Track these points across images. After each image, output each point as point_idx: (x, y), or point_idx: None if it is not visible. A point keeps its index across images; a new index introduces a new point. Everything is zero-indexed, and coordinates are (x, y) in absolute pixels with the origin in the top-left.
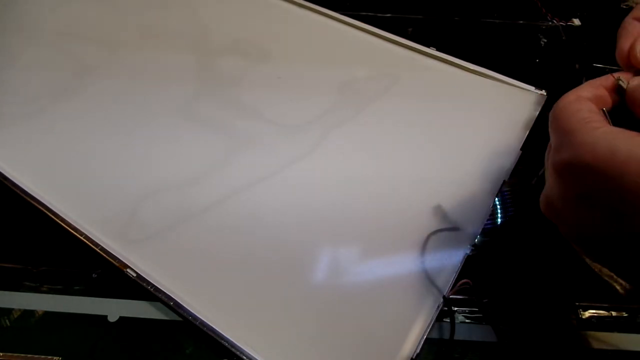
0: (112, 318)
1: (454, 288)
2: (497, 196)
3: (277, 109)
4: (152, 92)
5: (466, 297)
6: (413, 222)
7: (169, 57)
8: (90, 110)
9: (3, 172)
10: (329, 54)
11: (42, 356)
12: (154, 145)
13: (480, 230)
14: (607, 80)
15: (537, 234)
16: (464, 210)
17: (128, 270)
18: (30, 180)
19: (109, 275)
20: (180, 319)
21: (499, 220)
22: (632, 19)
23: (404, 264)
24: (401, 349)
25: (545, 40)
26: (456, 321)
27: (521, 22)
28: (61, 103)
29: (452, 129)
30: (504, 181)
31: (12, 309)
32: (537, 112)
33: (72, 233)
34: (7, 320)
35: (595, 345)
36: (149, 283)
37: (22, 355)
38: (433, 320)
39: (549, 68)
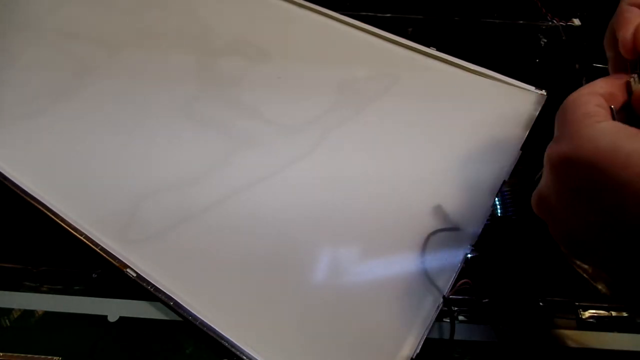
0: (112, 318)
1: (454, 288)
2: (497, 196)
3: (277, 109)
4: (152, 92)
5: (466, 297)
6: (413, 222)
7: (169, 57)
8: (90, 110)
9: (3, 172)
10: (329, 54)
11: (42, 356)
12: (154, 145)
13: (480, 230)
14: (623, 78)
15: (537, 234)
16: (464, 210)
17: (128, 270)
18: (30, 180)
19: (109, 275)
20: (180, 319)
21: (499, 220)
22: (628, 5)
23: (404, 264)
24: (401, 349)
25: (545, 40)
26: (456, 321)
27: (521, 22)
28: (61, 103)
29: (452, 129)
30: (504, 181)
31: (12, 309)
32: (537, 112)
33: (72, 233)
34: (7, 320)
35: (595, 345)
36: (149, 283)
37: (22, 355)
38: (433, 320)
39: (549, 68)
